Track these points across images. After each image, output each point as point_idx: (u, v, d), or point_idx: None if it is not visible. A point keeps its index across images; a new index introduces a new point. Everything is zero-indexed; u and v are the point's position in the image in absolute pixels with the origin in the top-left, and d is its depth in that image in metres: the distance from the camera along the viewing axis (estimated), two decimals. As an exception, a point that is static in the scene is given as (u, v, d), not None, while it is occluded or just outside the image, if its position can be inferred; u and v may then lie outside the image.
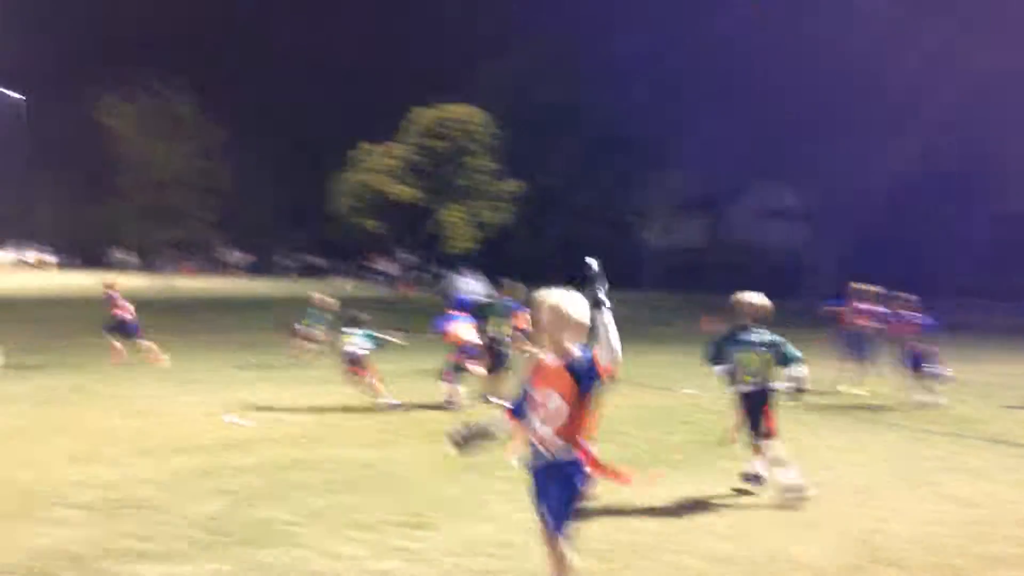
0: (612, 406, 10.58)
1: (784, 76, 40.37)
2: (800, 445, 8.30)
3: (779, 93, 41.24)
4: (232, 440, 8.39)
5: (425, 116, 32.57)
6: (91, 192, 58.71)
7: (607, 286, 3.89)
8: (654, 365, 15.70)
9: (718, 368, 7.11)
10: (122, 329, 14.37)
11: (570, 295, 3.99)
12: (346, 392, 10.99)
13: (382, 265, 45.31)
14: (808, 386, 6.89)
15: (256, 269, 53.06)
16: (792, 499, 6.56)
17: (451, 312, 11.30)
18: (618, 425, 9.33)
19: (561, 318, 3.95)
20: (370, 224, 31.60)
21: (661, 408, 11.03)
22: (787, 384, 6.80)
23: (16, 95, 65.09)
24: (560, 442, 3.95)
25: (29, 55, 63.99)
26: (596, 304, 3.89)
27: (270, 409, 10.22)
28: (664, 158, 44.52)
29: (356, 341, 10.58)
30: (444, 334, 11.02)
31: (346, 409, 10.33)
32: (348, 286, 42.84)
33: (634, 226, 45.43)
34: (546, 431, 3.98)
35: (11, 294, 32.49)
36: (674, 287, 37.74)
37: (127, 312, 14.50)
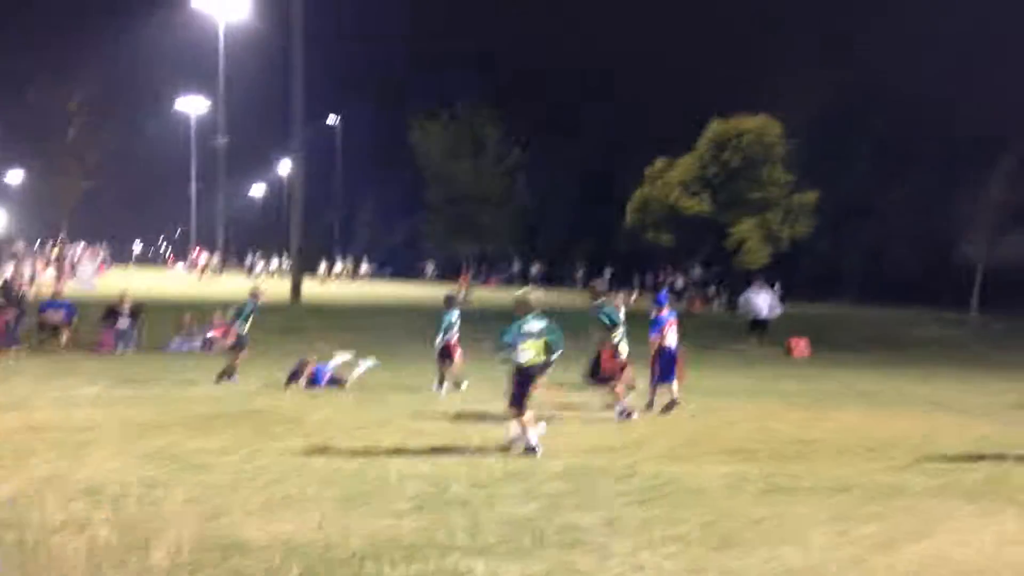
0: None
1: None
2: None
3: None
4: (541, 446, 8.71)
5: (719, 129, 32.07)
6: (403, 207, 64.05)
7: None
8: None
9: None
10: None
11: None
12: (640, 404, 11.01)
13: (672, 279, 45.11)
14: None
15: (549, 280, 54.86)
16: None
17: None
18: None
19: None
20: (664, 238, 31.64)
21: None
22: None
23: (333, 118, 72.34)
24: None
25: (347, 76, 70.76)
26: None
27: (569, 418, 10.49)
28: (989, 161, 40.23)
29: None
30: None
31: (646, 422, 10.37)
32: (632, 298, 42.85)
33: (953, 238, 41.51)
34: None
35: (343, 302, 36.13)
36: (1002, 307, 33.97)
37: None
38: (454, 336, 12.34)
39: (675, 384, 11.21)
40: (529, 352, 8.55)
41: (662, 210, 31.53)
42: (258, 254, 63.54)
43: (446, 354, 12.31)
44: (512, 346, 8.59)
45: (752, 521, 6.24)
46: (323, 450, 8.26)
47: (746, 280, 27.26)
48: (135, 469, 7.32)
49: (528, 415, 8.49)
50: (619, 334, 10.69)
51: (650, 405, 11.18)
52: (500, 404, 11.17)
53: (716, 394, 13.20)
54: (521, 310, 8.78)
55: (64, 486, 6.68)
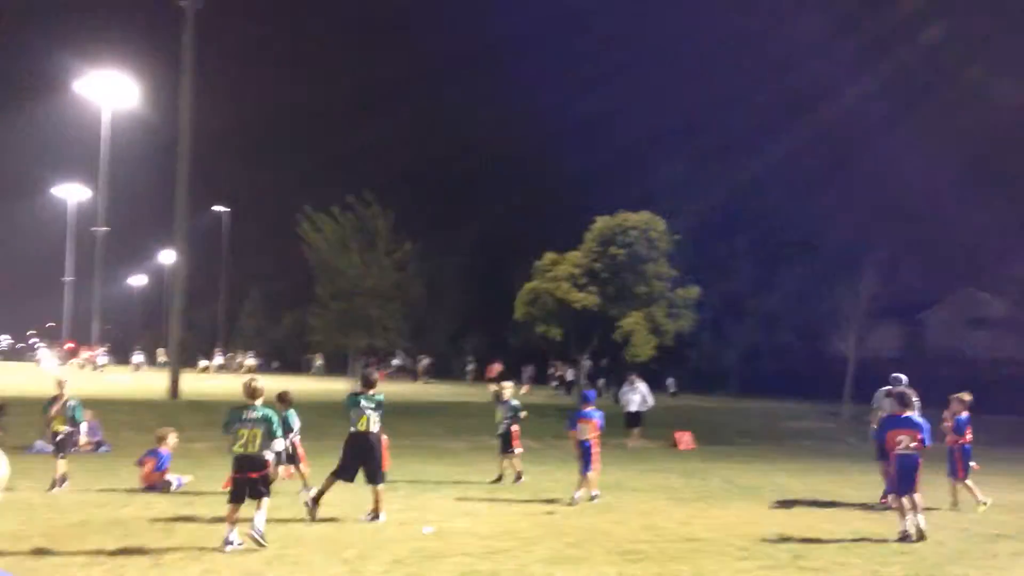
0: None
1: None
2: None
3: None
4: (425, 551, 8.50)
5: (605, 224, 33.01)
6: (291, 299, 63.00)
7: None
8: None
9: None
10: None
11: None
12: (528, 502, 10.94)
13: (561, 371, 45.51)
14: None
15: (437, 374, 54.58)
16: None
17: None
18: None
19: None
20: (553, 331, 31.98)
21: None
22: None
23: (221, 208, 71.55)
24: None
25: (234, 173, 70.41)
26: None
27: (457, 517, 10.33)
28: (856, 262, 42.79)
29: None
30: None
31: (527, 516, 10.29)
32: (524, 390, 43.14)
33: (826, 334, 43.53)
34: None
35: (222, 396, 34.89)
36: (869, 399, 35.73)
37: None
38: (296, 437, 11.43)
39: (592, 475, 12.01)
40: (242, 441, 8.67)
41: (552, 303, 31.97)
42: (138, 348, 61.17)
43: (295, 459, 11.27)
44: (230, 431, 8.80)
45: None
46: (197, 559, 7.84)
47: (623, 376, 27.82)
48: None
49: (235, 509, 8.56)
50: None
51: (592, 498, 11.97)
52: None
53: (607, 488, 13.25)
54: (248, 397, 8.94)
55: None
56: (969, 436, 12.10)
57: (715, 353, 51.05)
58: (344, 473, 10.18)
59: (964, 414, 12.16)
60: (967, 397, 12.19)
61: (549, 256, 33.06)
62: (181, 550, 8.28)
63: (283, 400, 11.43)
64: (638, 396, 22.53)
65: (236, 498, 8.54)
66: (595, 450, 12.07)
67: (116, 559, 7.88)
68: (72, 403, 12.35)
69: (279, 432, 8.92)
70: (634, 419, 22.39)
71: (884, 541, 9.52)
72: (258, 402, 8.88)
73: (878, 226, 41.99)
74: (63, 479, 12.02)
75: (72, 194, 65.47)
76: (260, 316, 73.51)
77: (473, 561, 8.13)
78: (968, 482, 11.94)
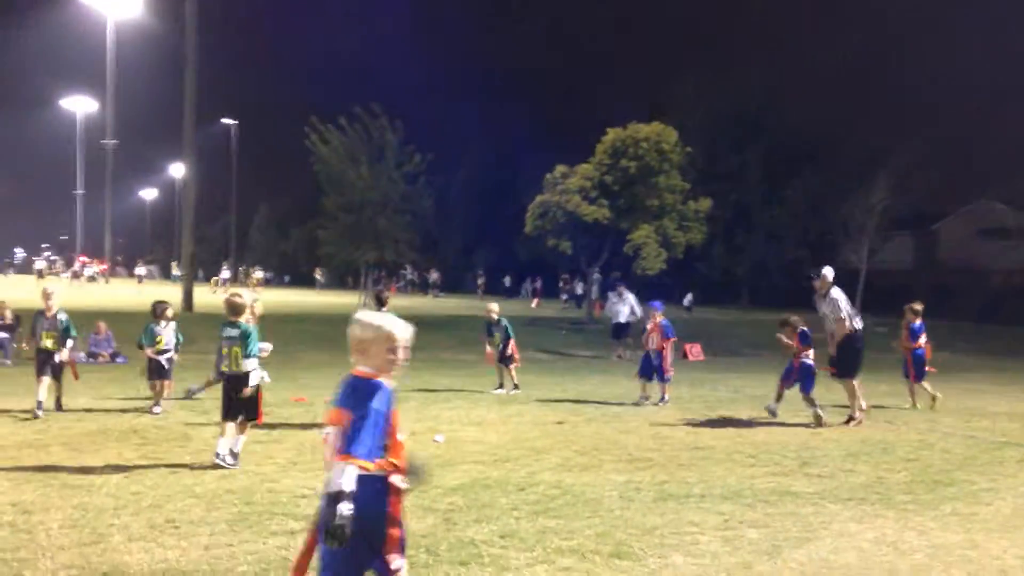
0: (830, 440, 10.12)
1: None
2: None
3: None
4: (436, 459, 8.63)
5: (616, 136, 32.55)
6: (300, 213, 62.95)
7: None
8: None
9: None
10: None
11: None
12: (537, 411, 11.08)
13: (571, 285, 45.62)
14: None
15: (448, 288, 54.78)
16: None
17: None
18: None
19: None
20: (563, 245, 31.87)
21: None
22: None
23: (229, 120, 70.94)
24: None
25: (242, 85, 69.55)
26: None
27: (467, 427, 10.48)
28: (870, 173, 42.27)
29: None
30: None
31: (537, 425, 10.43)
32: (533, 304, 43.42)
33: (837, 246, 43.28)
34: None
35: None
36: (882, 311, 35.63)
37: None
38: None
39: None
40: (227, 359, 8.46)
41: (562, 217, 31.80)
42: (143, 261, 61.49)
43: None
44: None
45: (644, 530, 6.31)
46: (211, 469, 8.00)
47: (610, 286, 27.83)
48: (10, 493, 6.93)
49: (228, 426, 8.25)
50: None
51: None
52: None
53: (613, 399, 13.43)
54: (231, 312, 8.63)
55: (-73, 515, 6.26)
56: (922, 342, 13.34)
57: (727, 266, 51.00)
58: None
59: (917, 322, 13.40)
60: (918, 307, 13.48)
61: (560, 168, 32.71)
62: (198, 456, 8.44)
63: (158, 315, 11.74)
64: (626, 307, 22.46)
65: (228, 416, 8.29)
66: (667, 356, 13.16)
67: (134, 466, 8.04)
68: (63, 317, 11.28)
69: (254, 350, 8.49)
70: (622, 330, 22.46)
71: (890, 448, 9.62)
72: (242, 319, 8.68)
73: (894, 136, 41.36)
74: (58, 401, 11.29)
75: (80, 106, 64.87)
76: (270, 230, 73.57)
77: (483, 468, 8.26)
78: (924, 383, 13.16)
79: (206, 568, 5.29)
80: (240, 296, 9.03)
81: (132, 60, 56.57)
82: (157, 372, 11.47)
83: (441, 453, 8.93)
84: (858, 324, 11.63)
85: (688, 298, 42.34)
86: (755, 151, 50.05)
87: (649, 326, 13.52)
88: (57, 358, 11.04)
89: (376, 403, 3.57)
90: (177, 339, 11.95)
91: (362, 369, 3.72)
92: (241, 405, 8.32)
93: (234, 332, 8.48)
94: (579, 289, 42.55)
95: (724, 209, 42.69)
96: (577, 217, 30.94)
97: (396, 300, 36.53)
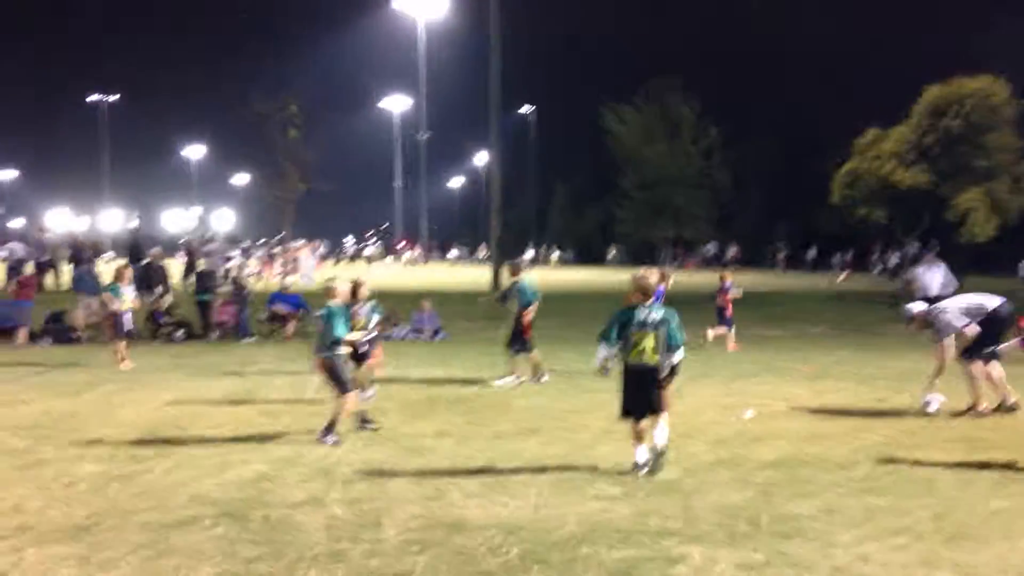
0: None
1: None
2: None
3: None
4: (749, 433, 8.52)
5: (937, 93, 29.84)
6: (595, 193, 64.20)
7: None
8: None
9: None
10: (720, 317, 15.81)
11: None
12: (855, 389, 10.51)
13: (886, 257, 42.61)
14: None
15: (746, 263, 53.17)
16: None
17: None
18: None
19: None
20: (876, 214, 29.83)
21: None
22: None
23: (527, 107, 73.85)
24: None
25: (541, 68, 71.94)
26: None
27: (778, 402, 10.21)
28: None
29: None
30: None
31: (844, 411, 9.91)
32: (840, 278, 40.87)
33: None
34: None
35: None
36: None
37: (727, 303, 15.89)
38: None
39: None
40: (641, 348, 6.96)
41: (874, 184, 29.79)
42: (455, 244, 65.90)
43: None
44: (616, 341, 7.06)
45: (988, 514, 5.85)
46: (533, 435, 8.49)
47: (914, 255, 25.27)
48: (361, 452, 7.83)
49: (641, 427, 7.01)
50: (533, 310, 11.74)
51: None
52: (696, 391, 11.06)
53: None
54: (638, 296, 7.13)
55: (300, 467, 7.26)
56: None
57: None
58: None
59: None
60: None
61: (871, 133, 30.64)
62: (518, 423, 8.98)
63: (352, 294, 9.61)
64: (938, 280, 19.44)
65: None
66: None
67: (462, 430, 8.72)
68: (365, 306, 9.85)
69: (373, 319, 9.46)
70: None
71: None
72: (363, 302, 9.49)
73: None
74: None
75: (397, 104, 70.76)
76: (567, 211, 75.66)
77: (800, 444, 8.04)
78: None
79: (540, 526, 5.66)
80: (364, 282, 9.80)
81: (441, 58, 60.63)
82: (356, 357, 9.51)
83: (752, 428, 8.81)
84: (989, 304, 9.48)
85: None
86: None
87: None
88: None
89: None
90: (371, 319, 9.87)
91: None
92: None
93: (657, 316, 6.98)
94: (893, 260, 39.60)
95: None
96: (892, 184, 28.81)
97: (696, 276, 36.28)
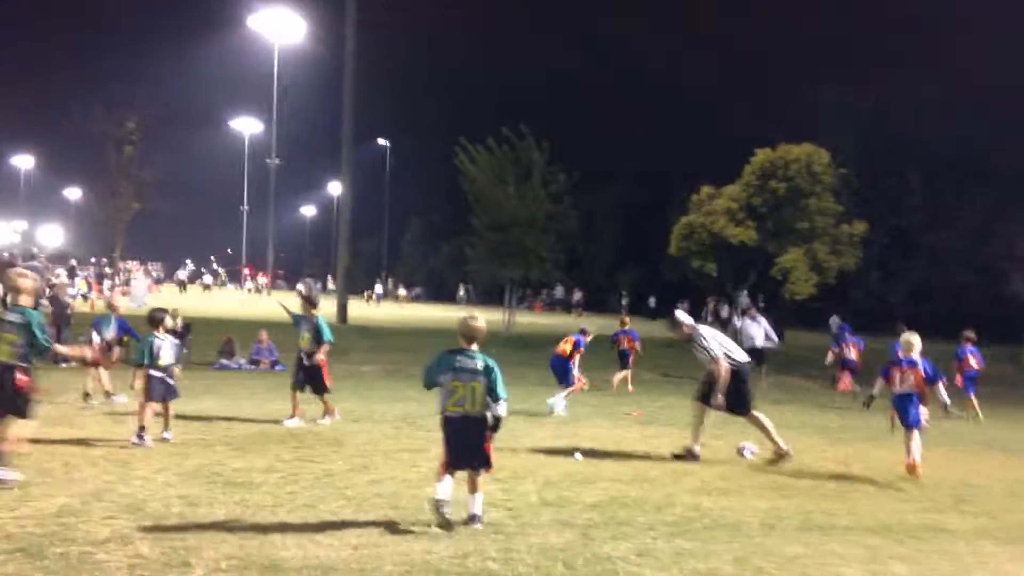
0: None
1: None
2: None
3: None
4: (578, 475, 8.73)
5: (765, 157, 31.88)
6: (450, 229, 64.62)
7: None
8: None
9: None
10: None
11: None
12: (678, 433, 10.96)
13: (718, 308, 44.82)
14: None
15: (592, 307, 54.74)
16: None
17: None
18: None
19: None
20: (709, 267, 31.47)
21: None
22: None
23: (382, 141, 73.96)
24: None
25: (395, 106, 72.37)
26: None
27: (606, 445, 10.51)
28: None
29: None
30: None
31: (667, 455, 10.33)
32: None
33: (1007, 273, 40.68)
34: None
35: (384, 323, 36.54)
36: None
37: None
38: None
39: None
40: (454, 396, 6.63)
41: (707, 239, 31.41)
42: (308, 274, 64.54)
43: None
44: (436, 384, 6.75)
45: (786, 559, 6.20)
46: (362, 472, 8.38)
47: (741, 309, 26.92)
48: (178, 486, 7.50)
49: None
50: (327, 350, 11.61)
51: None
52: (531, 432, 11.26)
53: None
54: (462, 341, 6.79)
55: (108, 501, 6.87)
56: None
57: (883, 292, 48.69)
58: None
59: None
60: None
61: (706, 190, 32.38)
62: (349, 460, 8.86)
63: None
64: (761, 331, 21.27)
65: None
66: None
67: (291, 466, 8.53)
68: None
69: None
70: (758, 355, 21.26)
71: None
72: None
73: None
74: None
75: (247, 127, 68.95)
76: (420, 245, 75.73)
77: (622, 487, 8.29)
78: None
79: (355, 567, 5.58)
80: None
81: (295, 84, 59.70)
82: (161, 391, 9.66)
83: (581, 470, 9.02)
84: (739, 357, 10.08)
85: (834, 321, 40.86)
86: (916, 172, 47.71)
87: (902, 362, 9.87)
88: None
89: None
90: (178, 353, 10.17)
91: None
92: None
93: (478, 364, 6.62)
94: (724, 312, 41.73)
95: (880, 232, 40.85)
96: (723, 239, 30.48)
97: (543, 318, 37.01)
